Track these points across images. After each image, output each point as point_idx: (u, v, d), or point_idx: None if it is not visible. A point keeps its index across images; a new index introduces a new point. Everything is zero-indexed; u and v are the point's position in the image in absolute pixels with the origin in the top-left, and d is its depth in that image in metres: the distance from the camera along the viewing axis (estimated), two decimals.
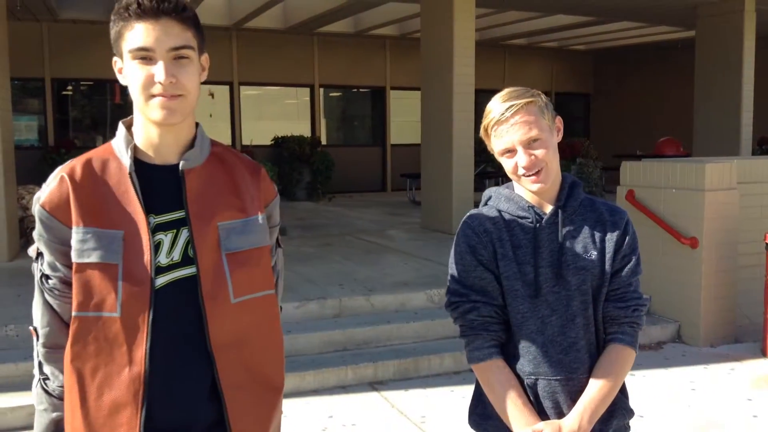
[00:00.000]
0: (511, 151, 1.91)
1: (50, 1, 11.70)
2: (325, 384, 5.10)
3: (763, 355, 5.81)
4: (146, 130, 1.67)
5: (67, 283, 1.63)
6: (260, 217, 1.74)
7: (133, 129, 1.70)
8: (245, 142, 14.95)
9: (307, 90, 16.02)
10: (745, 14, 11.30)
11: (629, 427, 2.06)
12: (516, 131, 1.88)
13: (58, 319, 1.66)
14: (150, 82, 1.59)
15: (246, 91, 15.42)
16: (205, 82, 1.72)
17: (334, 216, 11.93)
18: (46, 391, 1.70)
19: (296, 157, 14.31)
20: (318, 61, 15.82)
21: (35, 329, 1.70)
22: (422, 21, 10.32)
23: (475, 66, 9.59)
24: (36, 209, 1.64)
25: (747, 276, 6.40)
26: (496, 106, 1.92)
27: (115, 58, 1.68)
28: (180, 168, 1.67)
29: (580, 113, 19.72)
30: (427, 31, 10.14)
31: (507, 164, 1.93)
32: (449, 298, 2.00)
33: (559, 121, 1.98)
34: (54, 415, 1.70)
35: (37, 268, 1.68)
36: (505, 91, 1.95)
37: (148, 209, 1.63)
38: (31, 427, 2.07)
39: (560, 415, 1.91)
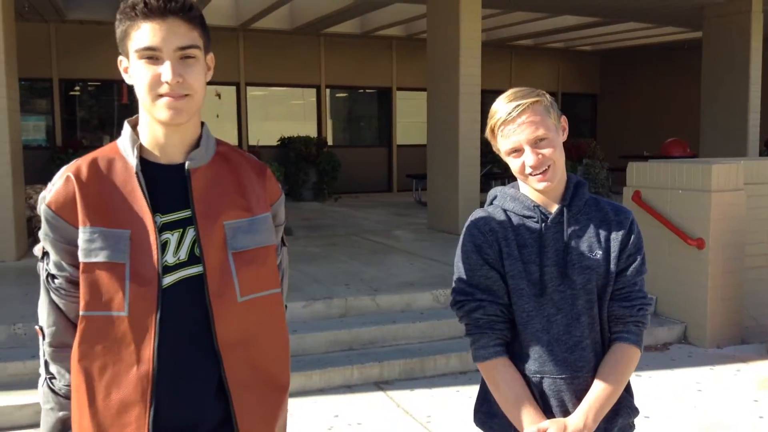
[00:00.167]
0: (518, 151, 1.91)
1: (58, 2, 11.75)
2: (331, 383, 5.11)
3: None
4: (152, 129, 1.67)
5: (73, 282, 1.64)
6: (266, 216, 1.74)
7: (139, 128, 1.70)
8: (252, 142, 14.98)
9: (313, 90, 16.04)
10: (752, 15, 11.25)
11: (634, 425, 2.06)
12: (523, 131, 1.88)
13: (64, 319, 1.67)
14: (157, 81, 1.59)
15: (252, 92, 15.45)
16: (211, 83, 1.72)
17: (341, 216, 11.94)
18: (53, 390, 1.70)
19: (302, 158, 14.33)
20: (324, 61, 15.83)
21: (41, 328, 1.70)
22: (429, 22, 10.32)
23: (482, 67, 9.59)
24: (42, 209, 1.64)
25: (753, 277, 6.39)
26: (501, 106, 1.92)
27: (120, 57, 1.68)
28: (186, 167, 1.67)
29: (586, 114, 19.70)
30: (433, 31, 10.15)
31: (514, 164, 1.93)
32: (455, 297, 2.00)
33: (564, 121, 1.99)
34: (60, 414, 1.70)
35: (43, 268, 1.68)
36: (510, 91, 1.95)
37: (155, 208, 1.63)
38: (37, 425, 2.09)
39: (565, 413, 1.91)
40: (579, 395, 1.91)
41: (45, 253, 1.67)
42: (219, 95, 14.60)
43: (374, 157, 16.65)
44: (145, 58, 1.59)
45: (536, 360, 1.94)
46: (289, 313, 1.82)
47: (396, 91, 16.65)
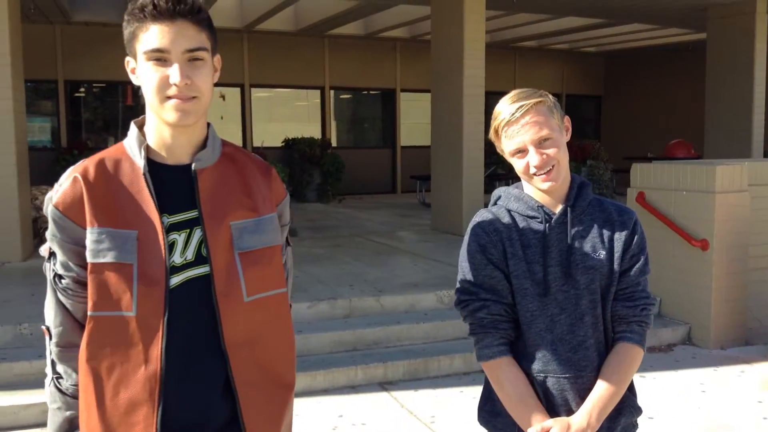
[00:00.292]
0: (522, 151, 1.92)
1: (63, 4, 11.78)
2: (336, 384, 5.12)
3: None
4: (159, 130, 1.67)
5: (80, 282, 1.64)
6: (272, 216, 1.75)
7: (145, 129, 1.70)
8: (256, 143, 15.00)
9: (317, 92, 16.06)
10: (757, 16, 11.25)
11: (637, 424, 2.07)
12: (527, 131, 1.89)
13: (71, 318, 1.67)
14: (165, 83, 1.59)
15: (257, 93, 15.48)
16: (216, 84, 1.71)
17: (345, 217, 11.96)
18: (60, 390, 1.71)
19: (307, 159, 14.35)
20: (328, 63, 15.86)
21: (48, 328, 1.70)
22: (432, 23, 10.33)
23: (486, 68, 9.59)
24: (49, 209, 1.64)
25: (758, 278, 6.39)
26: (505, 107, 1.93)
27: (128, 58, 1.67)
28: (193, 168, 1.67)
29: (590, 115, 19.67)
30: (437, 33, 10.16)
31: (518, 164, 1.94)
32: (459, 296, 2.01)
33: (567, 121, 2.00)
34: (67, 413, 1.71)
35: (50, 268, 1.68)
36: (514, 92, 1.96)
37: (162, 209, 1.63)
38: (43, 424, 2.09)
39: (569, 412, 1.92)
40: (583, 394, 1.92)
41: (52, 254, 1.68)
42: (223, 97, 14.63)
43: (378, 159, 16.66)
44: (153, 59, 1.59)
45: (540, 359, 1.95)
46: (294, 314, 1.83)
47: (400, 92, 16.66)
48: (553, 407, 1.94)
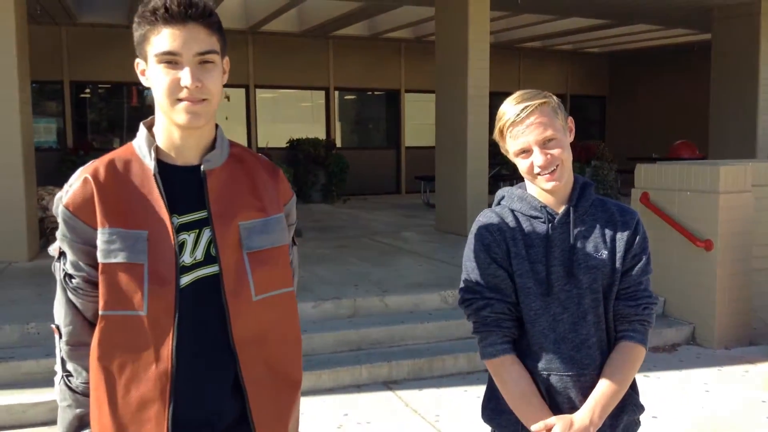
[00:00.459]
0: (526, 152, 1.94)
1: (69, 5, 11.84)
2: (341, 383, 5.14)
3: None
4: (169, 131, 1.68)
5: (90, 282, 1.65)
6: (279, 216, 1.77)
7: (155, 130, 1.71)
8: (261, 144, 15.03)
9: (322, 93, 16.09)
10: (762, 17, 11.22)
11: (639, 422, 2.09)
12: (531, 132, 1.91)
13: (81, 317, 1.69)
14: (176, 86, 1.60)
15: (262, 94, 15.51)
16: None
17: (349, 218, 11.98)
18: (70, 388, 1.72)
19: (311, 160, 14.38)
20: (333, 64, 15.88)
21: (57, 327, 1.72)
22: (437, 24, 10.34)
23: (490, 69, 9.60)
24: (59, 210, 1.65)
25: (762, 279, 6.39)
26: (509, 108, 1.95)
27: (138, 60, 1.69)
28: (202, 169, 1.69)
29: (595, 116, 19.67)
30: (441, 34, 10.17)
31: (522, 164, 1.96)
32: (463, 295, 2.03)
33: (570, 122, 2.01)
34: (77, 410, 1.72)
35: (59, 268, 1.69)
36: (518, 93, 1.98)
37: (171, 210, 1.65)
38: (51, 422, 2.12)
39: (572, 410, 1.94)
40: (585, 392, 1.94)
41: (62, 253, 1.69)
42: (228, 97, 14.66)
43: (383, 159, 16.68)
44: (164, 62, 1.60)
45: (543, 357, 1.97)
46: (299, 313, 1.85)
47: (404, 93, 16.68)
48: (556, 405, 1.96)
